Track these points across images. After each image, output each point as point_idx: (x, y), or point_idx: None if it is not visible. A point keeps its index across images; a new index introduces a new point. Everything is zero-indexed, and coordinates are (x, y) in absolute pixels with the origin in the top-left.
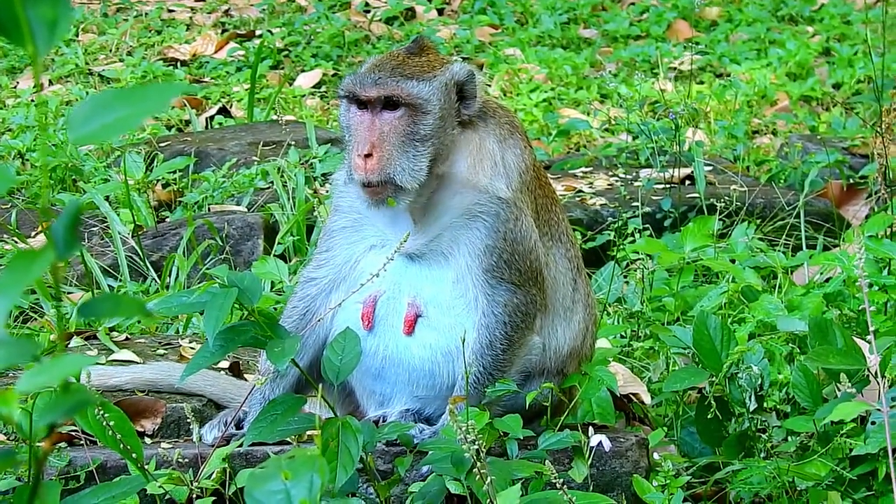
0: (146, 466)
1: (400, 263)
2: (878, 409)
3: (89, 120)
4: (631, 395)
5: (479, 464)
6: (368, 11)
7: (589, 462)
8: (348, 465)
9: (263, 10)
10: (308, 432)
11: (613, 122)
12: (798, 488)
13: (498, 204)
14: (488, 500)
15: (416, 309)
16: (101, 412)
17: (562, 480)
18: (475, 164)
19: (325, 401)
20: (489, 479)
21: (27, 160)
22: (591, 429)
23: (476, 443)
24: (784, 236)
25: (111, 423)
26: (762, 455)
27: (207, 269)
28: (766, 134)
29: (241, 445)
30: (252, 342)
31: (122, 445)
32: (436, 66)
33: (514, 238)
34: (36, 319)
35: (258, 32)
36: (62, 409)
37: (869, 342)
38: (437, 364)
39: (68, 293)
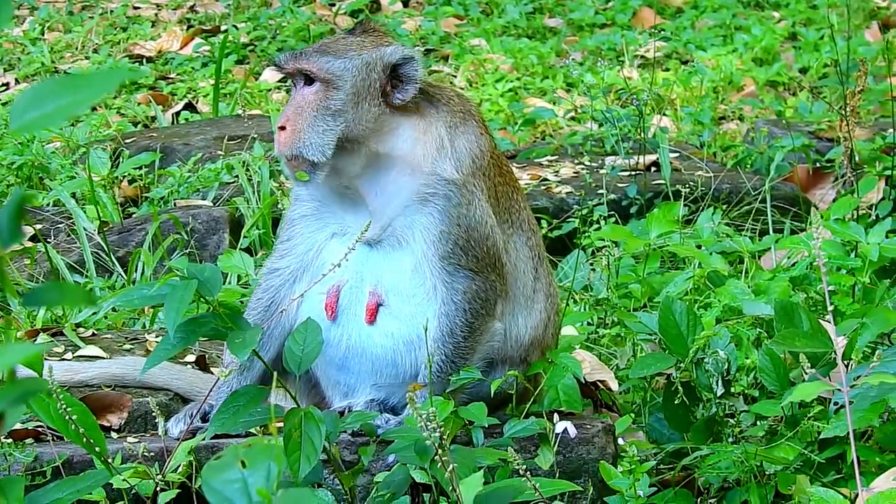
0: (112, 461)
1: (361, 251)
2: (839, 389)
3: (31, 108)
4: (598, 383)
5: (440, 452)
6: (333, 5)
7: (555, 449)
8: (311, 455)
9: (228, 5)
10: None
11: (579, 111)
12: (766, 472)
13: (447, 186)
14: (451, 488)
15: (378, 298)
16: (64, 406)
17: (525, 467)
18: (421, 147)
19: (287, 391)
20: (451, 466)
21: None
22: (556, 416)
23: (437, 431)
24: (751, 221)
25: (74, 417)
26: (730, 440)
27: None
28: (732, 120)
29: (205, 438)
30: (213, 334)
31: (84, 439)
32: (366, 47)
33: (468, 224)
34: (2, 317)
35: (223, 28)
36: (10, 399)
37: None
38: (400, 353)
39: None
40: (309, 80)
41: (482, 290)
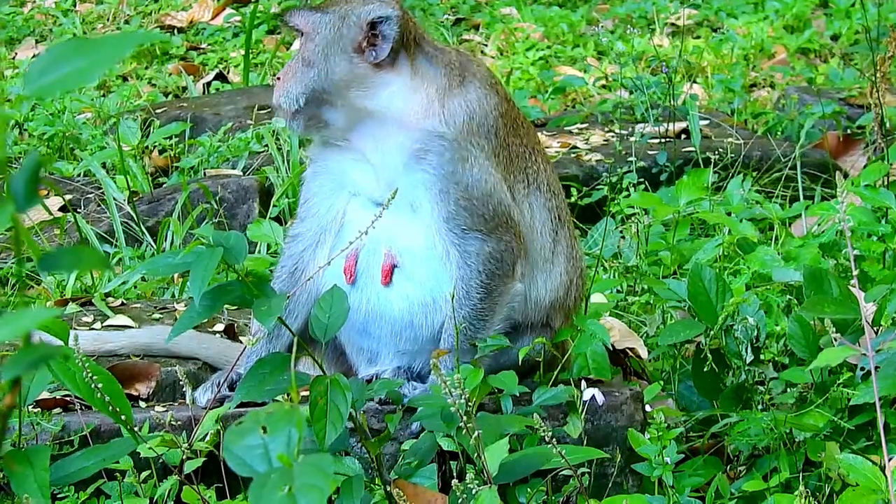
0: (139, 430)
1: (368, 212)
2: (864, 354)
3: (46, 72)
4: (627, 350)
5: (465, 419)
6: None
7: (583, 417)
8: (337, 423)
9: None
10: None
11: (610, 79)
12: (796, 440)
13: (438, 142)
14: (476, 455)
15: (392, 259)
16: (90, 375)
17: (551, 434)
18: (410, 105)
19: (314, 358)
20: (476, 433)
21: (25, 130)
22: (583, 383)
23: (462, 397)
24: (781, 188)
25: (100, 386)
26: (760, 407)
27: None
28: (763, 87)
29: (231, 407)
30: (239, 301)
31: (110, 408)
32: (352, 3)
33: (466, 182)
34: (33, 287)
35: None
36: (24, 364)
37: (862, 290)
38: (416, 316)
39: None
40: (300, 33)
41: (496, 250)
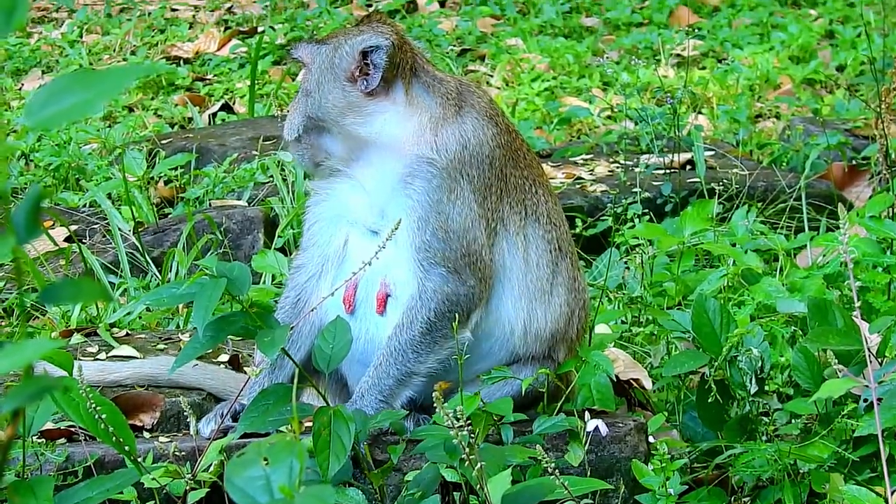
0: (143, 460)
1: (369, 241)
2: (867, 386)
3: (46, 105)
4: (632, 381)
5: (465, 449)
6: (370, 5)
7: (586, 447)
8: (340, 454)
9: (266, 6)
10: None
11: (615, 110)
12: (800, 471)
13: (427, 168)
14: (479, 487)
15: (386, 288)
16: (93, 405)
17: (554, 465)
18: (403, 132)
19: (317, 389)
20: (478, 465)
21: (31, 160)
22: (587, 413)
23: (465, 429)
24: (786, 219)
25: (103, 416)
26: (764, 438)
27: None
28: (769, 118)
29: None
30: (242, 333)
31: (114, 438)
32: (348, 34)
33: (447, 214)
34: (38, 317)
35: (260, 29)
36: (25, 396)
37: (866, 321)
38: None
39: None
40: (305, 66)
41: (454, 293)
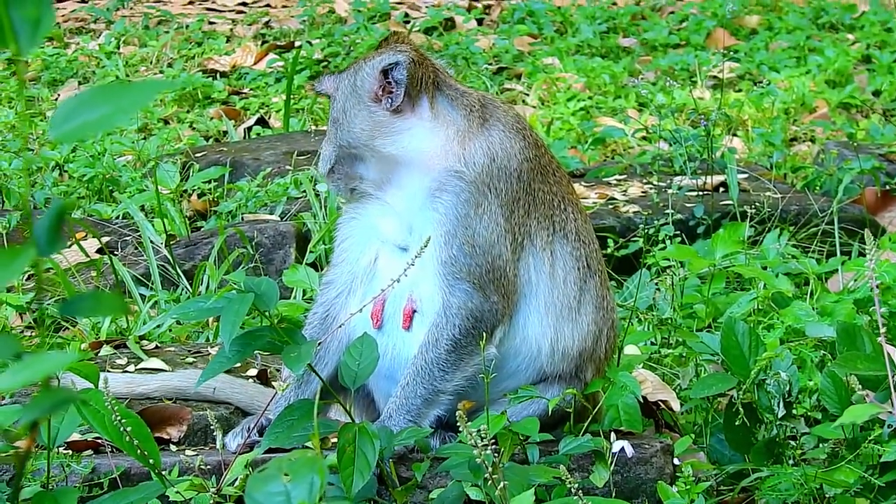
0: (169, 473)
1: (398, 258)
2: (890, 412)
3: (70, 118)
4: (660, 403)
5: (489, 468)
6: (408, 22)
7: (612, 468)
8: (364, 471)
9: (303, 21)
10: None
11: (650, 131)
12: (826, 495)
13: (456, 182)
14: None
15: (413, 304)
16: (118, 418)
17: (578, 486)
18: (430, 147)
19: (342, 405)
20: (501, 483)
21: (65, 171)
22: (612, 434)
23: (489, 448)
24: (818, 243)
25: (128, 429)
26: (791, 462)
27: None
28: (804, 141)
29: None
30: (269, 347)
31: (138, 451)
32: (366, 56)
33: (475, 228)
34: (68, 329)
35: (297, 44)
36: (43, 408)
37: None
38: None
39: None
40: (330, 98)
41: (478, 309)
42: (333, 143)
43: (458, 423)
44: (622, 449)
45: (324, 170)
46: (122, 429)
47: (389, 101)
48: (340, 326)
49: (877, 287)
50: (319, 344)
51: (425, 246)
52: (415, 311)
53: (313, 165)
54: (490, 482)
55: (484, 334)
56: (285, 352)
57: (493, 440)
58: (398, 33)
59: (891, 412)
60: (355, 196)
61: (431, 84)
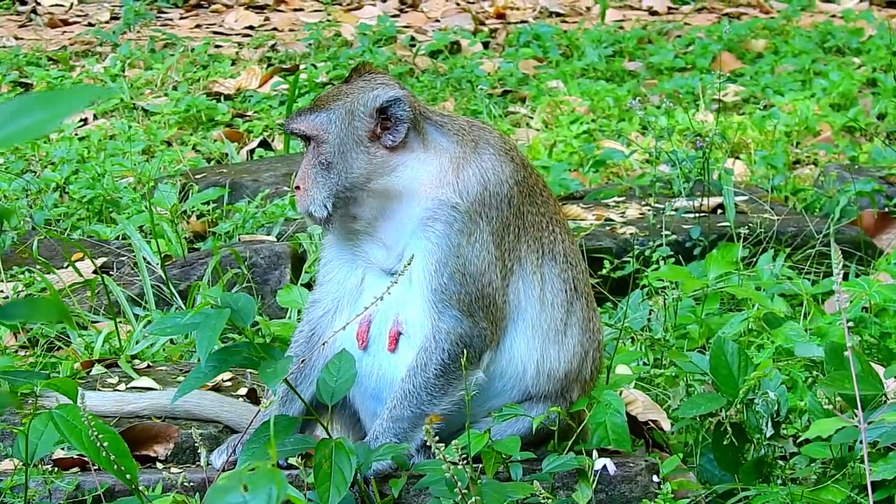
0: (153, 490)
1: (385, 281)
2: (856, 426)
3: (8, 123)
4: (651, 423)
5: (459, 483)
6: (414, 45)
7: (594, 486)
8: (341, 486)
9: (309, 44)
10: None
11: (651, 155)
12: None
13: (449, 212)
14: None
15: (398, 326)
16: (95, 433)
17: (551, 501)
18: (425, 177)
19: (320, 423)
20: (473, 498)
21: (66, 192)
22: (594, 452)
23: (459, 464)
24: (815, 264)
25: (105, 444)
26: (780, 482)
27: None
28: (807, 164)
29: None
30: (245, 363)
31: (115, 466)
32: (350, 94)
33: (466, 257)
34: (62, 348)
35: (302, 66)
36: None
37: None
38: None
39: (95, 322)
40: (306, 138)
41: (467, 335)
42: (328, 189)
43: (426, 439)
44: (604, 467)
45: (321, 215)
46: (98, 444)
47: (391, 138)
48: (324, 344)
49: (865, 309)
50: (303, 362)
51: (408, 265)
52: (400, 334)
53: (308, 223)
54: (460, 497)
55: (469, 358)
56: (262, 367)
57: (465, 457)
58: (368, 63)
59: (856, 426)
60: (349, 232)
61: (420, 114)
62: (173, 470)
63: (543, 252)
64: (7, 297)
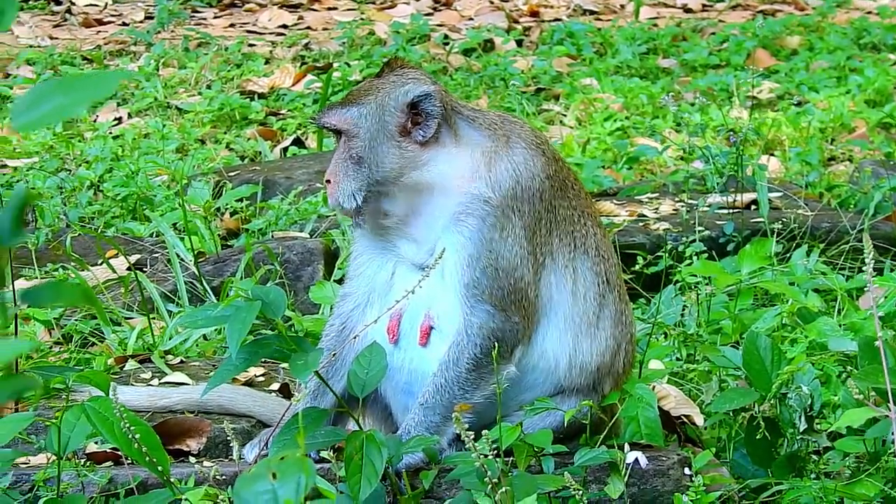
0: (185, 484)
1: (416, 275)
2: (886, 416)
3: (31, 108)
4: (683, 417)
5: (489, 474)
6: (447, 43)
7: (626, 479)
8: (372, 478)
9: (343, 43)
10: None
11: (685, 151)
12: None
13: (482, 207)
14: None
15: (430, 321)
16: (127, 426)
17: (587, 496)
18: (456, 172)
19: (351, 415)
20: (502, 489)
21: (100, 190)
22: (626, 446)
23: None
24: (849, 260)
25: (136, 437)
26: (813, 476)
27: None
28: (842, 161)
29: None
30: (276, 356)
31: (147, 458)
32: (382, 89)
33: (498, 251)
34: (96, 344)
35: (336, 65)
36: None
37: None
38: None
39: (129, 318)
40: (337, 132)
41: (499, 329)
42: (359, 182)
43: (458, 431)
44: (636, 460)
45: (350, 206)
46: (130, 436)
47: (421, 133)
48: (355, 337)
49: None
50: (334, 355)
51: (438, 259)
52: (432, 328)
53: (339, 215)
54: (490, 487)
55: (501, 352)
56: (292, 360)
57: (496, 450)
58: (399, 58)
59: (886, 416)
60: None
61: (451, 108)
62: (206, 464)
63: (575, 246)
64: None
